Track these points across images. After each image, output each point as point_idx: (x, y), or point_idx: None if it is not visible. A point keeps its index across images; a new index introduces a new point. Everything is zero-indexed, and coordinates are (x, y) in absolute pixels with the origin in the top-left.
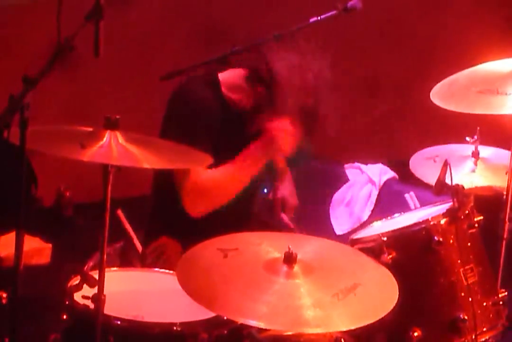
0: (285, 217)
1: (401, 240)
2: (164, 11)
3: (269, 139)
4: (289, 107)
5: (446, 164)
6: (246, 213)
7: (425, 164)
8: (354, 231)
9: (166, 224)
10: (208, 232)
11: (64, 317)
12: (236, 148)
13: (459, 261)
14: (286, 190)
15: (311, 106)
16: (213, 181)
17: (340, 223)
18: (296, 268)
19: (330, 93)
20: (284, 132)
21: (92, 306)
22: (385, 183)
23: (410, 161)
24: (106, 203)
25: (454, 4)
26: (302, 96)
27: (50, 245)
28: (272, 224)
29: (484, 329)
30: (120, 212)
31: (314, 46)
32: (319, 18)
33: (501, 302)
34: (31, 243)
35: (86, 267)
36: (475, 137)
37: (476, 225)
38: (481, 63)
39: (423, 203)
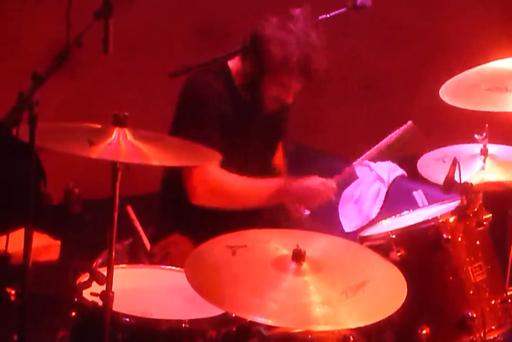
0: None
1: (410, 238)
2: (171, 9)
3: (306, 189)
4: (282, 64)
5: (455, 162)
6: (256, 210)
7: (434, 165)
8: (363, 228)
9: (176, 221)
10: (218, 229)
11: (73, 314)
12: (249, 136)
13: (467, 259)
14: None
15: (312, 65)
16: (234, 186)
17: (349, 220)
18: (304, 265)
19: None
20: (322, 194)
21: (100, 303)
22: (393, 180)
23: (418, 163)
24: (115, 200)
25: (461, 2)
26: (300, 55)
27: (58, 242)
28: (281, 222)
29: (493, 327)
30: (129, 208)
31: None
32: (328, 15)
33: (509, 300)
34: (40, 240)
35: (94, 264)
36: (484, 134)
37: (485, 223)
38: (489, 61)
39: (432, 201)
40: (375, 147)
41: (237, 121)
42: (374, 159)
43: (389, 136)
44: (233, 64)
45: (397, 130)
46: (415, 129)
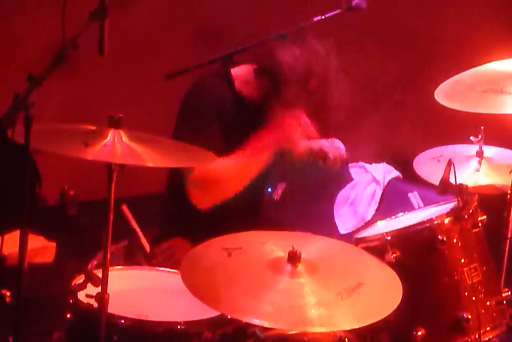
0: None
1: (405, 239)
2: (169, 11)
3: (276, 127)
4: (294, 97)
5: (450, 163)
6: (254, 213)
7: (429, 164)
8: (358, 230)
9: (178, 224)
10: (219, 232)
11: (68, 315)
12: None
13: (463, 260)
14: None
15: (318, 96)
16: (220, 170)
17: (344, 222)
18: (300, 267)
19: (339, 86)
20: (292, 122)
21: (96, 304)
22: (389, 182)
23: (413, 162)
24: (110, 201)
25: (457, 4)
26: (307, 85)
27: (54, 244)
28: (280, 224)
29: (488, 329)
30: (125, 207)
31: (320, 42)
32: (323, 17)
33: (504, 301)
34: (35, 241)
35: (90, 265)
36: (480, 136)
37: (480, 224)
38: (485, 63)
39: (427, 202)
40: None
41: (240, 127)
42: None
43: None
44: (236, 72)
45: None
46: None
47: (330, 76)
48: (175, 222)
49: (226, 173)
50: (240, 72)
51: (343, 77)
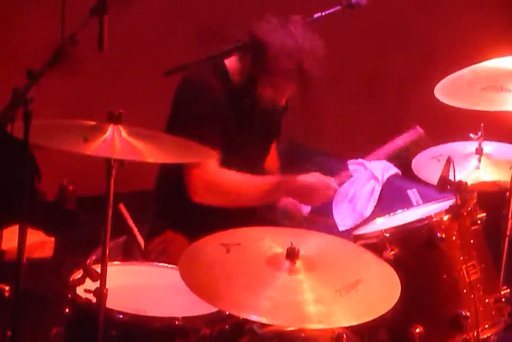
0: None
1: (404, 236)
2: (169, 8)
3: (306, 186)
4: (281, 67)
5: (449, 161)
6: (251, 208)
7: (429, 164)
8: (357, 227)
9: (171, 218)
10: (213, 227)
11: (67, 310)
12: (244, 134)
13: (461, 258)
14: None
15: (308, 70)
16: (234, 184)
17: (343, 218)
18: (298, 263)
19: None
20: (323, 190)
21: (94, 299)
22: (388, 179)
23: (413, 163)
24: (109, 197)
25: (458, 1)
26: (297, 59)
27: (52, 239)
28: (276, 220)
29: (486, 326)
30: (122, 206)
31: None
32: (323, 13)
33: (503, 299)
34: (34, 236)
35: (88, 260)
36: (479, 134)
37: (479, 222)
38: (485, 60)
39: (426, 200)
40: (381, 151)
41: (233, 120)
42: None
43: (396, 141)
44: (230, 62)
45: (406, 136)
46: (424, 137)
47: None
48: (168, 216)
49: (237, 189)
50: (231, 62)
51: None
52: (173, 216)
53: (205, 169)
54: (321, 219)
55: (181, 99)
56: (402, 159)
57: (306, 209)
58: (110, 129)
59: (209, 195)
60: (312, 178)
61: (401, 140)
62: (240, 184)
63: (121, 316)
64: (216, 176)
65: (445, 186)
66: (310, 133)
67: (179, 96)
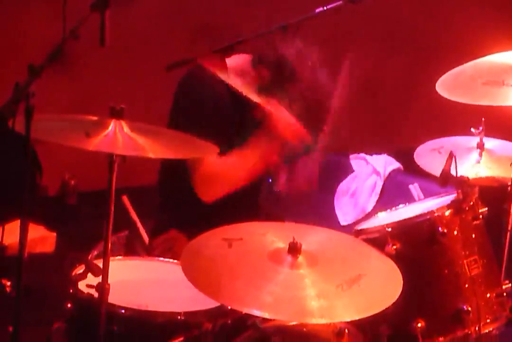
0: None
1: (406, 231)
2: (169, 3)
3: (269, 127)
4: (295, 89)
5: (451, 156)
6: (253, 204)
7: (430, 155)
8: (359, 221)
9: (174, 216)
10: (216, 222)
11: (68, 305)
12: (245, 133)
13: (463, 253)
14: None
15: (319, 96)
16: (224, 165)
17: (345, 213)
18: (300, 258)
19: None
20: (283, 120)
21: (96, 294)
22: (390, 173)
23: (415, 153)
24: (111, 192)
25: None
26: (310, 84)
27: (54, 234)
28: (278, 215)
29: (488, 321)
30: (125, 198)
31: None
32: (324, 8)
33: (504, 294)
34: (36, 231)
35: (90, 255)
36: (480, 128)
37: (481, 217)
38: (486, 55)
39: (428, 194)
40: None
41: (233, 117)
42: None
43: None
44: (231, 62)
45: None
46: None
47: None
48: (171, 214)
49: (227, 168)
50: (235, 62)
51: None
52: (177, 213)
53: (201, 167)
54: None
55: (182, 96)
56: None
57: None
58: (112, 125)
59: (211, 189)
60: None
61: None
62: (228, 163)
63: (123, 311)
64: (209, 170)
65: (447, 180)
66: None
67: (180, 92)
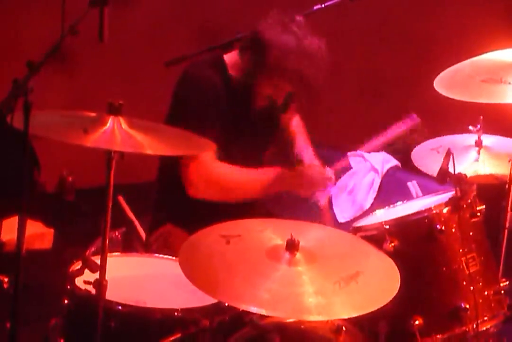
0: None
1: (404, 228)
2: (171, 2)
3: (304, 178)
4: (281, 67)
5: (449, 153)
6: (251, 201)
7: (428, 156)
8: (357, 218)
9: (171, 211)
10: (213, 219)
11: (66, 301)
12: (241, 129)
13: (461, 250)
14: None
15: (309, 75)
16: (231, 178)
17: (343, 210)
18: (298, 255)
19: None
20: (320, 180)
21: (93, 291)
22: (387, 171)
23: (412, 154)
24: (109, 188)
25: None
26: (299, 63)
27: (52, 230)
28: (276, 212)
29: (485, 318)
30: (121, 198)
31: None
32: (323, 5)
33: (502, 291)
34: (33, 227)
35: (88, 252)
36: (478, 126)
37: (479, 214)
38: (484, 52)
39: (426, 192)
40: (378, 140)
41: (231, 114)
42: (374, 150)
43: (394, 129)
44: (228, 58)
45: (402, 125)
46: (420, 125)
47: (316, 57)
48: (168, 208)
49: (234, 183)
50: (232, 57)
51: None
52: (174, 209)
53: (202, 163)
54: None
55: (180, 92)
56: (399, 147)
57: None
58: (110, 121)
59: (206, 190)
60: (309, 170)
61: (398, 129)
62: (237, 178)
63: (120, 308)
64: (213, 170)
65: (445, 178)
66: (308, 124)
67: (178, 89)
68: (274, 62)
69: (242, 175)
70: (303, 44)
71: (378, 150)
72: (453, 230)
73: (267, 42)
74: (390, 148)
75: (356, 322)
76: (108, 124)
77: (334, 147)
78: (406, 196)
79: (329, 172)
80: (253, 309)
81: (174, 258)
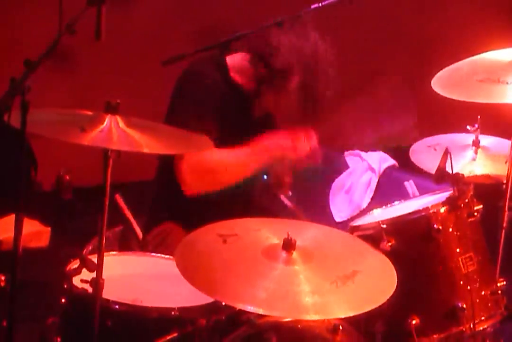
0: (284, 198)
1: (401, 228)
2: (170, 2)
3: (284, 138)
4: (289, 84)
5: (446, 152)
6: (247, 199)
7: (425, 152)
8: (354, 218)
9: (169, 209)
10: (210, 218)
11: (63, 300)
12: (241, 130)
13: (458, 250)
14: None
15: (312, 85)
16: (217, 161)
17: (340, 210)
18: (295, 254)
19: (333, 75)
20: (301, 138)
21: (90, 290)
22: (385, 170)
23: (410, 150)
24: (106, 187)
25: None
26: (302, 74)
27: (49, 229)
28: (272, 210)
29: (482, 318)
30: (118, 197)
31: (315, 31)
32: (320, 4)
33: (499, 291)
34: (30, 226)
35: (85, 251)
36: (476, 126)
37: (476, 214)
38: (482, 52)
39: (423, 191)
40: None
41: (230, 114)
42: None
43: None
44: (230, 60)
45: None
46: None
47: (323, 65)
48: (166, 207)
49: (222, 164)
50: (235, 60)
51: (334, 66)
52: (171, 207)
53: (190, 156)
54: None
55: (180, 91)
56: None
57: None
58: (107, 120)
59: (197, 181)
60: (292, 134)
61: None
62: (224, 159)
63: (117, 306)
64: (200, 159)
65: (442, 177)
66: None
67: (178, 88)
68: (281, 68)
69: (229, 154)
70: (310, 47)
71: (375, 149)
72: (450, 230)
73: (277, 50)
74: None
75: (353, 322)
76: (105, 123)
77: (332, 146)
78: (403, 195)
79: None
80: (250, 308)
81: (170, 256)
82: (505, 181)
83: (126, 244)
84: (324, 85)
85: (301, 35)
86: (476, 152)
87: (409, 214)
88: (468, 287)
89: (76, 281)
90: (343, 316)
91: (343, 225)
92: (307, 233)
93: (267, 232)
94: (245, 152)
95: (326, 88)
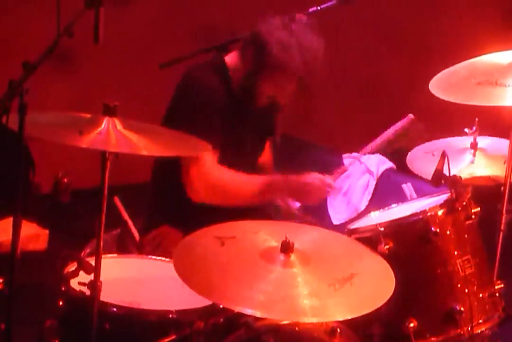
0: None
1: (398, 230)
2: (168, 5)
3: (304, 185)
4: (282, 64)
5: (444, 155)
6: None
7: (423, 159)
8: (351, 220)
9: (166, 212)
10: (208, 220)
11: (60, 303)
12: (240, 131)
13: (456, 252)
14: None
15: (307, 79)
16: (232, 182)
17: (338, 212)
18: (293, 257)
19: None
20: (320, 189)
21: (88, 292)
22: (382, 173)
23: (407, 158)
24: (104, 189)
25: None
26: (298, 69)
27: (47, 231)
28: (274, 215)
29: (480, 321)
30: (117, 199)
31: (309, 29)
32: (318, 8)
33: (497, 294)
34: (28, 228)
35: (82, 253)
36: (474, 128)
37: (474, 216)
38: (480, 55)
39: (421, 194)
40: (375, 141)
41: (229, 117)
42: (373, 152)
43: (389, 130)
44: (229, 59)
45: (398, 124)
46: (415, 122)
47: (317, 59)
48: (163, 210)
49: (236, 186)
50: (232, 58)
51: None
52: (168, 210)
53: (204, 168)
54: (309, 217)
55: (180, 96)
56: (396, 146)
57: (296, 205)
58: (105, 122)
59: (207, 195)
60: (309, 177)
61: (394, 129)
62: (238, 183)
63: (115, 309)
64: (215, 176)
65: (440, 180)
66: (305, 127)
67: (178, 92)
68: (276, 60)
69: (242, 180)
70: (302, 39)
71: (375, 152)
72: (448, 232)
73: (267, 41)
74: (389, 147)
75: (351, 324)
76: (103, 126)
77: (331, 149)
78: (401, 198)
79: (329, 179)
80: (248, 311)
81: (168, 259)
82: (503, 183)
83: (123, 246)
84: (318, 78)
85: (292, 28)
86: (474, 155)
87: (407, 216)
88: (466, 290)
89: (74, 283)
90: (341, 319)
91: (341, 228)
92: (305, 236)
93: (265, 234)
94: (261, 185)
95: (320, 81)
